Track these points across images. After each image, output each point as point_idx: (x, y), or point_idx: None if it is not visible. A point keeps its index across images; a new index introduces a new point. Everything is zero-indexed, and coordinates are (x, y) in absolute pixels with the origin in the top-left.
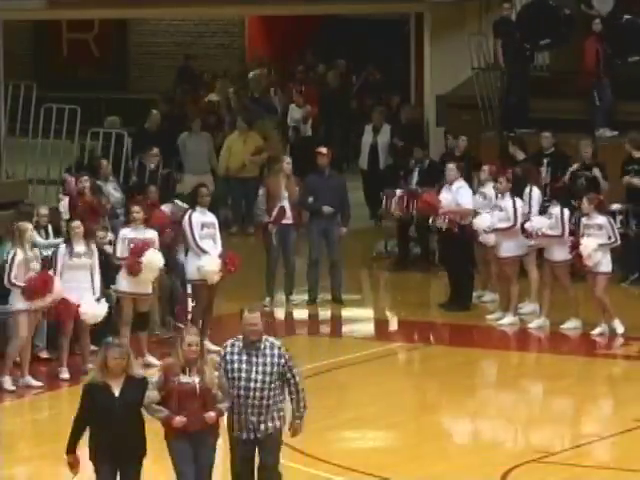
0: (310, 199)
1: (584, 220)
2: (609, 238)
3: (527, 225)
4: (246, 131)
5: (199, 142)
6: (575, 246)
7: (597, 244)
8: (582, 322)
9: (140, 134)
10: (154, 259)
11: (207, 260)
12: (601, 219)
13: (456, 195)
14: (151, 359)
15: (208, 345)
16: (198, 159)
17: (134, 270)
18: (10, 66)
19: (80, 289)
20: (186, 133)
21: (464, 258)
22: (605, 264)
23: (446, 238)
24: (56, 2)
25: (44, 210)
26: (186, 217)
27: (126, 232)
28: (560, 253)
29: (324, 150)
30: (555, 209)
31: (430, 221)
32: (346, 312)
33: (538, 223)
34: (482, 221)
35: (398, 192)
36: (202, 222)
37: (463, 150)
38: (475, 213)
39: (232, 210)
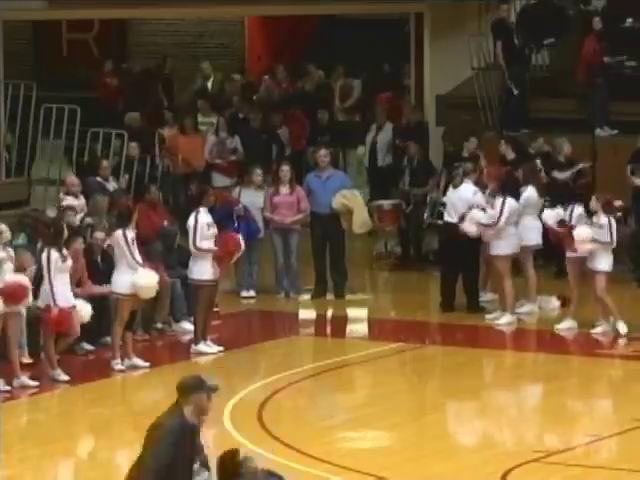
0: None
1: (592, 219)
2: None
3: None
4: None
5: None
6: (568, 232)
7: (592, 236)
8: (578, 322)
9: None
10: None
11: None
12: (603, 219)
13: (469, 196)
14: (137, 361)
15: (208, 346)
16: None
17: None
18: (10, 66)
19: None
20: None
21: (475, 260)
22: (604, 263)
23: (457, 240)
24: (56, 2)
25: (52, 213)
26: (192, 218)
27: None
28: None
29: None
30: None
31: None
32: (346, 312)
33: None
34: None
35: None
36: (207, 222)
37: (471, 151)
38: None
39: None
